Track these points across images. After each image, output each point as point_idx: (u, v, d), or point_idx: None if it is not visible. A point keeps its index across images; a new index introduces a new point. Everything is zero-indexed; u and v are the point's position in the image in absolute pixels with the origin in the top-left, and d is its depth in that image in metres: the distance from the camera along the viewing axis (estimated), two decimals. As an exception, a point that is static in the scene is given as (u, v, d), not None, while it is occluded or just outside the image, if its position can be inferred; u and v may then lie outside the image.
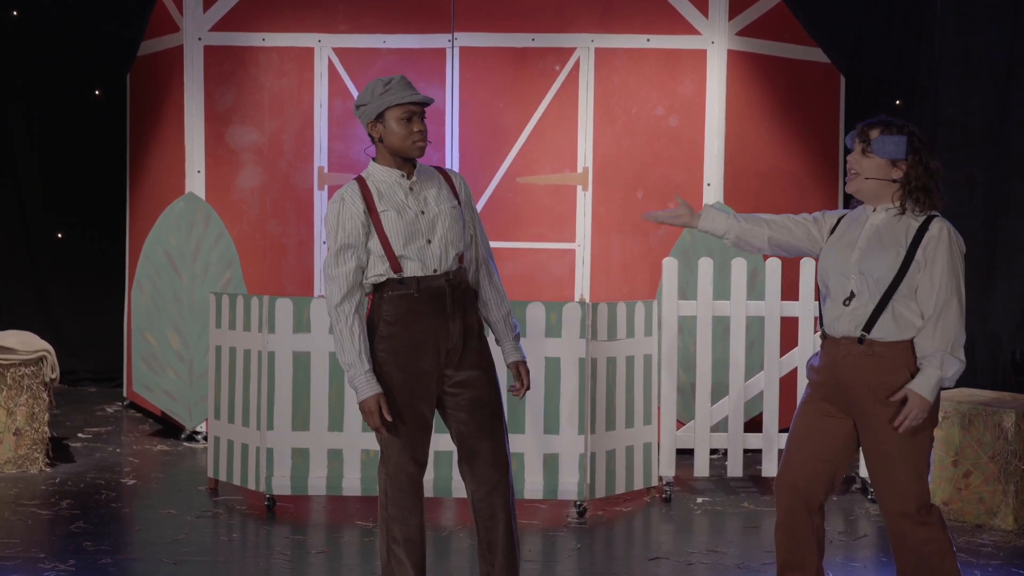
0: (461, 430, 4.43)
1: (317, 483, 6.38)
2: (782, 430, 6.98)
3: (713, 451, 7.32)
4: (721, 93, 8.09)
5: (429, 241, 4.38)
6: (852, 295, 4.23)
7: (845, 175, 4.40)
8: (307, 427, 6.38)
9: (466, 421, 4.42)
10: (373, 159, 4.48)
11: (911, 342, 4.18)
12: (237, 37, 8.32)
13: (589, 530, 6.17)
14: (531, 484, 6.34)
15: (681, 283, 7.08)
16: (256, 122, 8.33)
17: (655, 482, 6.79)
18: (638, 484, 6.70)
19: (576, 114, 8.13)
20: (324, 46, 8.28)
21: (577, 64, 8.12)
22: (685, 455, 7.01)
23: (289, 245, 8.34)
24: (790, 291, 7.21)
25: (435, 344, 4.38)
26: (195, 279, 8.19)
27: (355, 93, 8.25)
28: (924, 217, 4.26)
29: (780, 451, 6.85)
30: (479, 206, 7.97)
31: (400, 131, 4.37)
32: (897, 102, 10.11)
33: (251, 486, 6.50)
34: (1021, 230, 9.79)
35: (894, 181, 4.28)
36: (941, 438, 6.35)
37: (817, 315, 6.85)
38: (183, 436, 8.28)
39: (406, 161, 4.44)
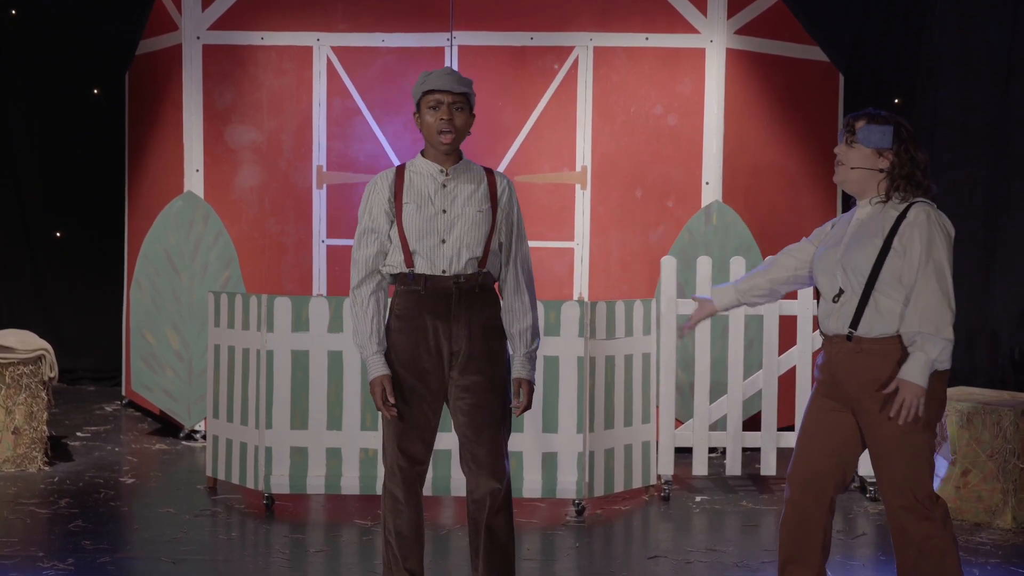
0: (464, 433, 4.43)
1: (316, 482, 6.38)
2: (781, 429, 6.99)
3: (712, 450, 7.33)
4: (720, 92, 8.08)
5: (443, 241, 4.36)
6: (840, 292, 4.23)
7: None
8: (306, 426, 6.38)
9: (466, 425, 4.41)
10: (421, 150, 4.48)
11: (899, 336, 4.14)
12: (236, 36, 8.32)
13: (588, 529, 6.17)
14: (530, 483, 6.34)
15: (680, 282, 7.08)
16: (255, 121, 8.33)
17: (654, 481, 6.79)
18: (637, 483, 6.69)
19: (575, 113, 8.13)
20: (323, 45, 8.28)
21: (576, 63, 8.11)
22: (684, 454, 7.01)
23: (288, 244, 8.34)
24: (789, 290, 7.21)
25: (438, 345, 4.37)
26: (194, 278, 8.19)
27: (354, 92, 8.26)
28: (905, 205, 4.22)
29: (779, 450, 6.86)
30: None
31: (427, 120, 4.38)
32: (896, 101, 10.11)
33: (250, 485, 6.50)
34: (1021, 229, 9.79)
35: (880, 171, 4.26)
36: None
37: (816, 314, 6.85)
38: (182, 435, 8.28)
39: (447, 156, 4.41)
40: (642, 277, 8.07)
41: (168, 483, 7.06)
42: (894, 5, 10.08)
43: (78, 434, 8.37)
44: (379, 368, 4.35)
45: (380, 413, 4.49)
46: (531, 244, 8.17)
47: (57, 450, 7.71)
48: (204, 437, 7.95)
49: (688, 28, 8.09)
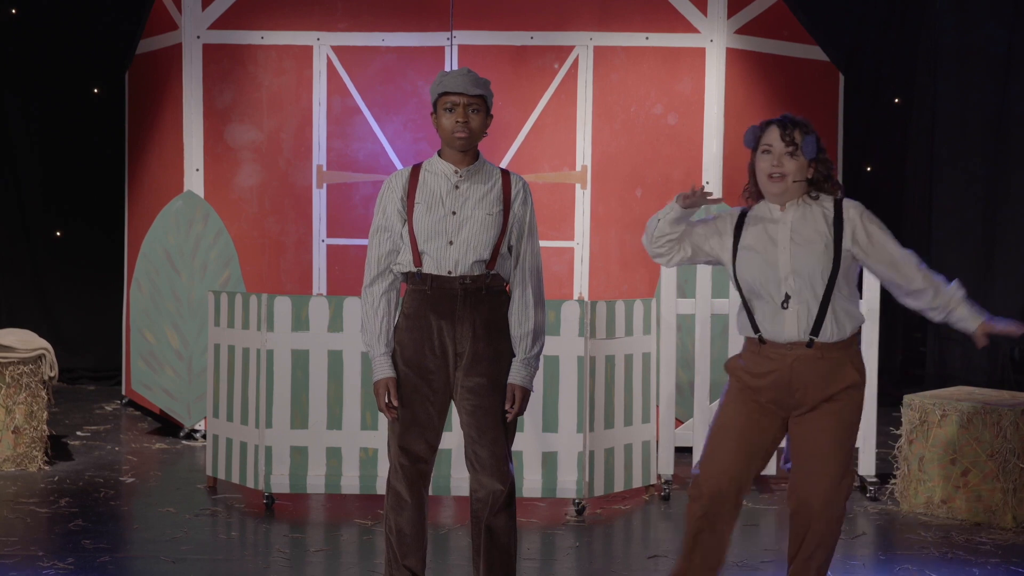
0: (468, 434, 4.44)
1: (316, 481, 6.39)
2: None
3: (712, 449, 7.31)
4: (720, 91, 8.08)
5: (451, 242, 4.35)
6: (787, 297, 4.20)
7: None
8: (306, 425, 6.38)
9: (470, 425, 4.42)
10: (439, 150, 4.47)
11: (853, 337, 4.24)
12: (236, 35, 8.31)
13: (588, 528, 6.17)
14: (530, 482, 6.34)
15: (680, 281, 7.08)
16: (255, 120, 8.33)
17: (654, 480, 6.79)
18: (637, 482, 6.70)
19: (575, 112, 8.13)
20: (323, 44, 8.28)
21: (576, 62, 8.11)
22: (684, 453, 7.01)
23: (288, 243, 8.34)
24: (789, 289, 7.21)
25: (442, 345, 4.36)
26: (194, 277, 8.19)
27: (354, 91, 8.26)
28: (831, 202, 4.26)
29: (779, 449, 6.84)
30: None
31: (442, 120, 4.38)
32: (896, 100, 10.12)
33: (250, 484, 6.50)
34: (1020, 225, 9.80)
35: (808, 180, 4.27)
36: (940, 436, 6.35)
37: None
38: (182, 434, 8.28)
39: (462, 156, 4.41)
40: (642, 277, 8.07)
41: (168, 482, 7.06)
42: (893, 4, 10.08)
43: (78, 433, 8.37)
44: (385, 370, 4.36)
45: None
46: (531, 243, 8.23)
47: (57, 449, 7.71)
48: (204, 436, 7.95)
49: (688, 28, 8.09)
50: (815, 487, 4.21)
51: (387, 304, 4.38)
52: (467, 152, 4.40)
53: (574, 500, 6.38)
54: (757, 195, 4.38)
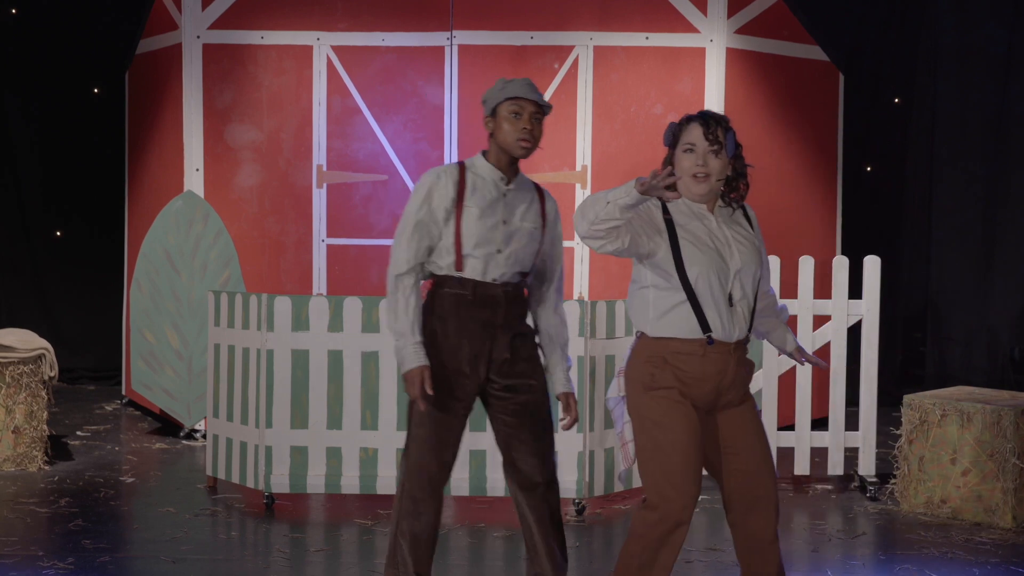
0: (508, 432, 4.40)
1: (316, 481, 6.39)
2: (780, 428, 6.98)
3: (712, 449, 7.30)
4: (720, 91, 8.09)
5: (499, 251, 4.33)
6: (731, 296, 4.13)
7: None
8: (306, 425, 6.38)
9: (514, 425, 4.38)
10: (482, 152, 4.43)
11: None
12: (236, 35, 8.32)
13: (588, 528, 6.17)
14: (530, 482, 6.34)
15: (680, 281, 7.06)
16: (255, 120, 8.33)
17: (654, 480, 6.78)
18: (637, 482, 6.69)
19: (575, 112, 8.13)
20: (323, 44, 8.28)
21: (576, 62, 8.12)
22: (684, 453, 6.99)
23: (288, 243, 8.34)
24: (788, 289, 7.21)
25: (479, 350, 4.33)
26: (194, 277, 8.19)
27: (354, 91, 8.26)
28: (741, 207, 4.23)
29: (779, 449, 6.85)
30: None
31: (507, 127, 4.33)
32: (896, 100, 10.12)
33: (250, 484, 6.50)
34: (1020, 225, 9.80)
35: (727, 177, 4.17)
36: (940, 436, 6.35)
37: (815, 313, 6.85)
38: (182, 434, 8.29)
39: (511, 164, 4.39)
40: (642, 276, 8.07)
41: (168, 482, 7.06)
42: (893, 4, 10.08)
43: (78, 433, 8.37)
44: (420, 358, 4.25)
45: (408, 412, 4.41)
46: (531, 243, 8.23)
47: (57, 449, 7.71)
48: (204, 436, 7.95)
49: (688, 27, 8.09)
50: (765, 477, 4.14)
51: (418, 296, 4.33)
52: (516, 161, 4.39)
53: (574, 500, 6.38)
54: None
